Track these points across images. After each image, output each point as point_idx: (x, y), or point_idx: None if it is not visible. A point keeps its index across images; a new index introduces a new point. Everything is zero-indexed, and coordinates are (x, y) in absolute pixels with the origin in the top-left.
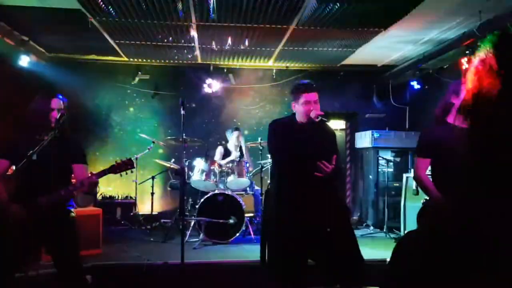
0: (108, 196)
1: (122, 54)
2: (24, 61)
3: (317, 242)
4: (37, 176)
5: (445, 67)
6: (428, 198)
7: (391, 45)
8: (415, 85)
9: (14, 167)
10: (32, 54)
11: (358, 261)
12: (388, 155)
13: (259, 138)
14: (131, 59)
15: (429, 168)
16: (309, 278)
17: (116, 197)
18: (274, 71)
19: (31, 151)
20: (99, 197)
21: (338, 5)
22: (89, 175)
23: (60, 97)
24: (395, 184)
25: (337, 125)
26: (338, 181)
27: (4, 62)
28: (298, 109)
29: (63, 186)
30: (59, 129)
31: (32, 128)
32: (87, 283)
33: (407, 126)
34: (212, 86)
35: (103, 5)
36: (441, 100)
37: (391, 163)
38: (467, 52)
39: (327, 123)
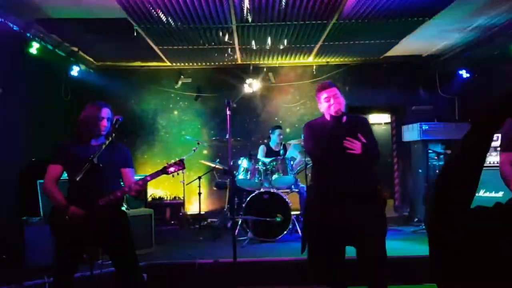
0: (157, 197)
1: (165, 59)
2: (75, 70)
3: (351, 237)
4: (92, 180)
5: (495, 53)
6: None
7: (436, 34)
8: (464, 74)
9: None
10: (81, 64)
11: (375, 265)
12: (438, 148)
13: (302, 135)
14: (174, 64)
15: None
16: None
17: (165, 198)
18: (314, 67)
19: (91, 156)
20: (149, 198)
21: None
22: (143, 177)
23: (109, 106)
24: None
25: (381, 119)
26: (372, 165)
27: (56, 72)
28: (322, 107)
29: (115, 188)
30: (113, 134)
31: (84, 136)
32: (144, 282)
33: (457, 117)
34: (252, 85)
35: (148, 13)
36: None
37: (442, 156)
38: None
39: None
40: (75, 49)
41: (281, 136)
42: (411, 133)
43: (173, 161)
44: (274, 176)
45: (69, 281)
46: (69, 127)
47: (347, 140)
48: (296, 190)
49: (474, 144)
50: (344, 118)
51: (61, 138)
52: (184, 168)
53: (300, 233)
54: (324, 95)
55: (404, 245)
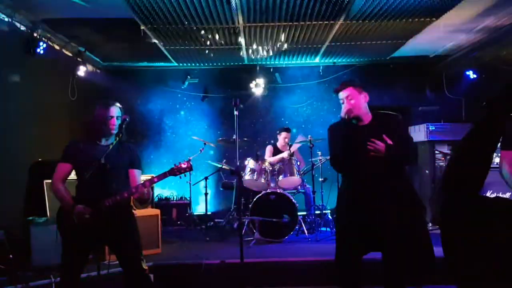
0: (164, 197)
1: (172, 60)
2: (81, 70)
3: (378, 240)
4: (99, 180)
5: (502, 54)
6: None
7: (443, 35)
8: (471, 74)
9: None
10: (88, 64)
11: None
12: (445, 149)
13: (308, 136)
14: (181, 64)
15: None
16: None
17: (172, 198)
18: (321, 67)
19: (100, 156)
20: (155, 198)
21: None
22: (150, 177)
23: (118, 105)
24: None
25: None
26: (403, 166)
27: (63, 72)
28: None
29: (122, 189)
30: (121, 134)
31: (93, 135)
32: (150, 282)
33: (463, 118)
34: (259, 86)
35: (154, 13)
36: None
37: (449, 157)
38: None
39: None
40: (82, 49)
41: (287, 139)
42: (417, 133)
43: (180, 162)
44: (281, 177)
45: (76, 281)
46: (76, 127)
47: (370, 142)
48: (303, 190)
49: (487, 129)
50: (366, 120)
51: (68, 138)
52: (191, 169)
53: (306, 233)
54: (340, 96)
55: None
